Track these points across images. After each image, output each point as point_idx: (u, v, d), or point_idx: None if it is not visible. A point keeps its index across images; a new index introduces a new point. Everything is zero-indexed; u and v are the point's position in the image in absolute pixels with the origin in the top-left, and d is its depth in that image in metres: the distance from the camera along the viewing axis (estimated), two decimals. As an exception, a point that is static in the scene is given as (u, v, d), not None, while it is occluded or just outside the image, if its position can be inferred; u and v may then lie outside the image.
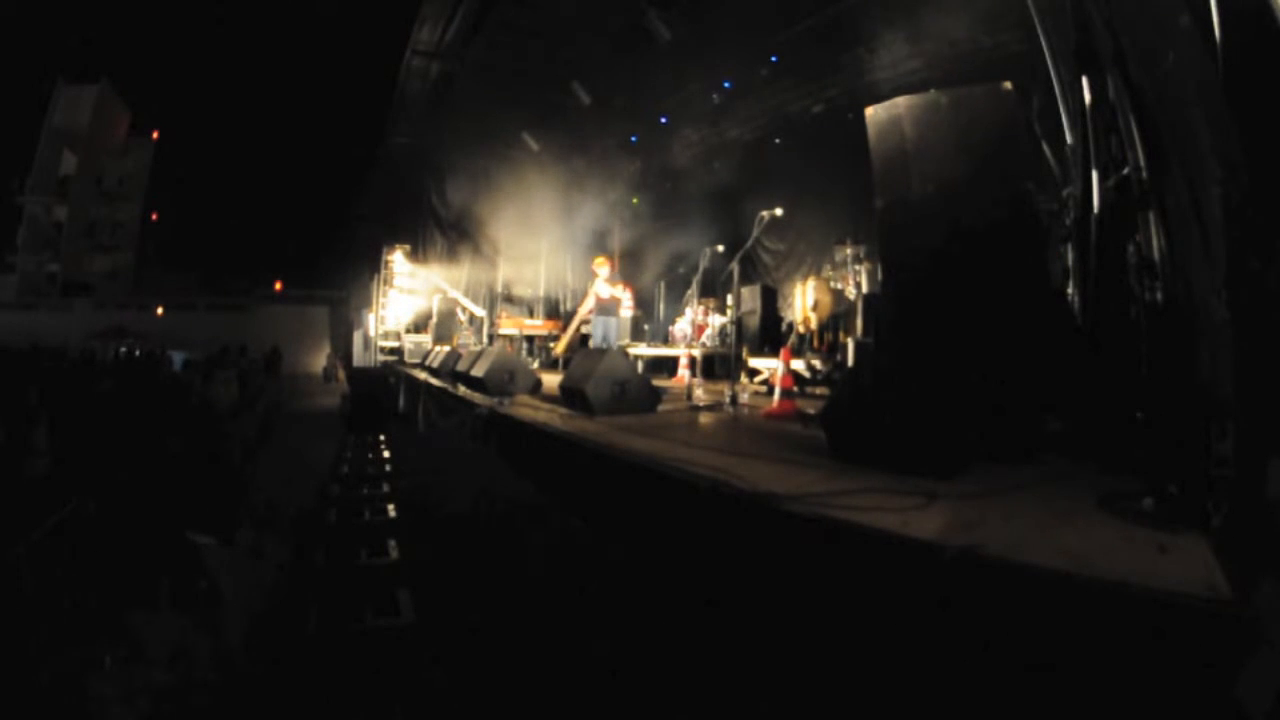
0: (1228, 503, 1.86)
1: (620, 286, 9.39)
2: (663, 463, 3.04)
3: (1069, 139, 3.96)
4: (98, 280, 32.18)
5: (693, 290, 8.50)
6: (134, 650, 3.23)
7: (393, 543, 5.49)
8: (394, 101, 13.48)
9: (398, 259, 16.71)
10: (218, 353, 10.70)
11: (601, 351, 6.10)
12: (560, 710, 3.07)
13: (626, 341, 10.17)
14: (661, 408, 5.18)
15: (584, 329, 10.44)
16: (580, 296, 11.94)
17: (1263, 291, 1.84)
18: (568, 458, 3.90)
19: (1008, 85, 3.43)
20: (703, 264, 6.79)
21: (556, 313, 14.85)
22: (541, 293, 15.10)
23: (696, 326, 9.34)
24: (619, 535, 3.32)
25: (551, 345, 12.16)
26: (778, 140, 11.14)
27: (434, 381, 8.79)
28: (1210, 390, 2.08)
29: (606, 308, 9.09)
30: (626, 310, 11.18)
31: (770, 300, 8.95)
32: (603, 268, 9.18)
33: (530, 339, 13.20)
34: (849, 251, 8.42)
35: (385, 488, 7.56)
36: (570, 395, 5.15)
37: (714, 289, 9.31)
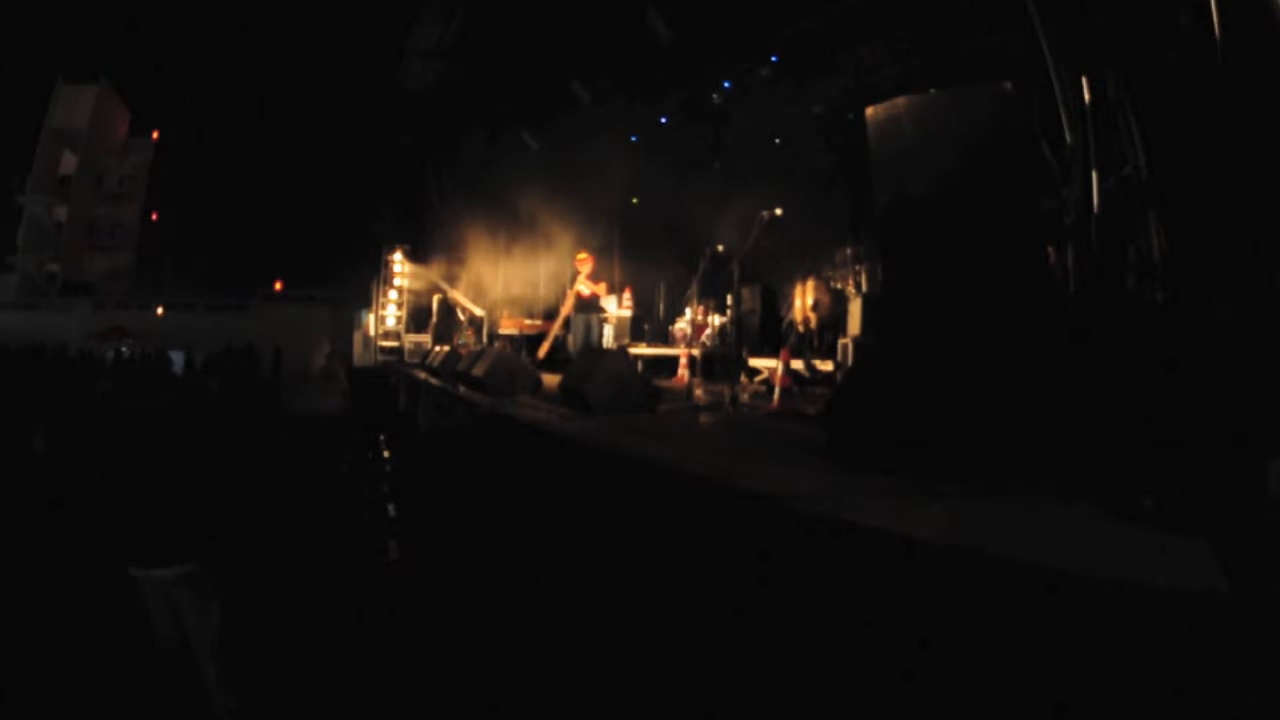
0: (1228, 503, 1.87)
1: (603, 285, 9.16)
2: (663, 462, 3.04)
3: (1069, 139, 3.96)
4: (98, 280, 32.13)
5: (693, 290, 8.49)
6: None
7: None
8: (394, 102, 13.51)
9: (398, 259, 16.71)
10: (219, 353, 10.62)
11: (601, 351, 6.10)
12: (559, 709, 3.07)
13: (626, 341, 10.16)
14: (661, 408, 5.18)
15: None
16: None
17: (1263, 291, 1.84)
18: (568, 458, 3.90)
19: (1008, 85, 3.43)
20: (703, 264, 6.78)
21: (556, 313, 14.83)
22: (541, 292, 15.09)
23: (696, 326, 9.34)
24: (620, 534, 3.31)
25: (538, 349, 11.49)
26: (777, 140, 11.14)
27: (434, 381, 8.80)
28: (1210, 390, 2.08)
29: (588, 305, 8.90)
30: (625, 309, 11.17)
31: (770, 300, 8.95)
32: (585, 265, 8.95)
33: (531, 339, 13.18)
34: (849, 251, 8.43)
35: (385, 488, 7.57)
36: (570, 395, 5.15)
37: (714, 289, 9.31)
